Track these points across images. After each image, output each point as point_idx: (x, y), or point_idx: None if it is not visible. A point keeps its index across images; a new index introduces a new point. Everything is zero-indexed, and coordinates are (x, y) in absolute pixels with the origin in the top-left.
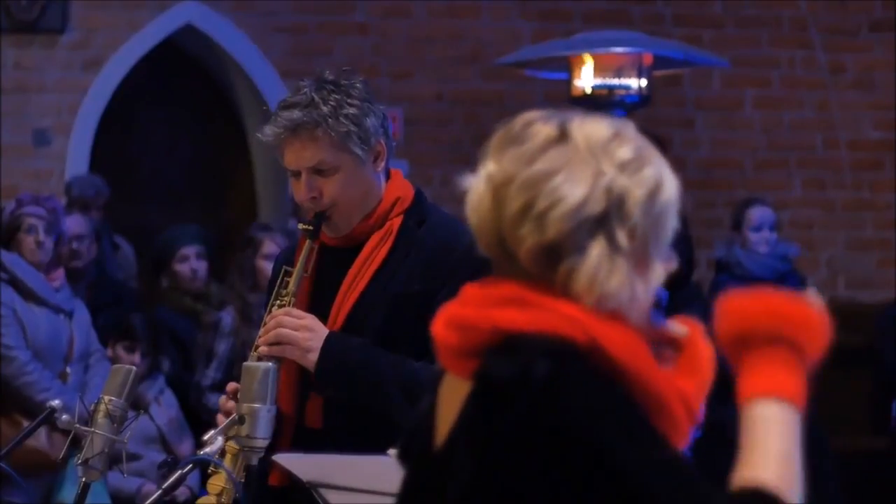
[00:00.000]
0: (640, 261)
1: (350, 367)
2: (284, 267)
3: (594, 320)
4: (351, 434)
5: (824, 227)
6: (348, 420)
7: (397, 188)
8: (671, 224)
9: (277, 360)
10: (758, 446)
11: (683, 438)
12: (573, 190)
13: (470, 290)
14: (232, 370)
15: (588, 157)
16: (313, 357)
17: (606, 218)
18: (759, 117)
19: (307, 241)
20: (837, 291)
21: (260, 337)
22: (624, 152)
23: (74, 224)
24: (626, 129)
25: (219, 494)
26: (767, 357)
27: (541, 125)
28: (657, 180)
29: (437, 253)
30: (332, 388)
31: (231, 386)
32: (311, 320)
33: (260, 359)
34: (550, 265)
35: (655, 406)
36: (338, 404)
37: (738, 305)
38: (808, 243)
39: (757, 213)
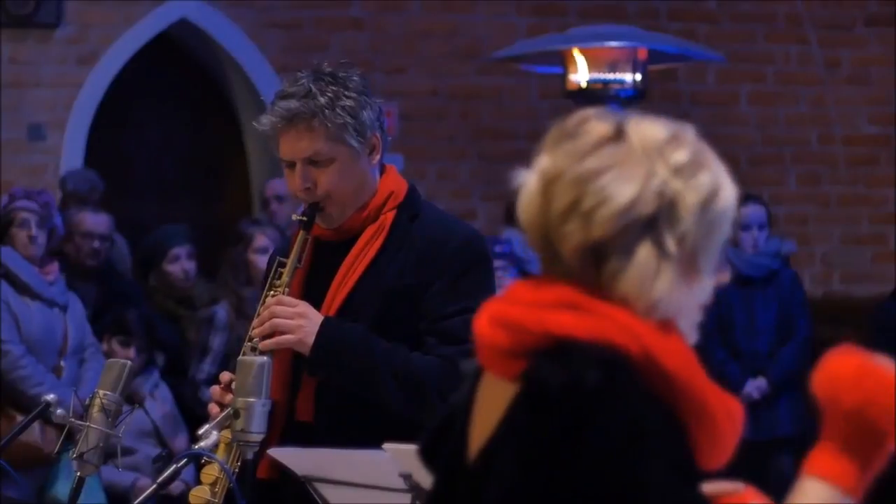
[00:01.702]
0: (688, 270)
1: (346, 350)
2: (278, 258)
3: (648, 330)
4: (341, 428)
5: (819, 222)
6: (339, 414)
7: (391, 183)
8: (725, 235)
9: (271, 351)
10: None
11: (727, 454)
12: (622, 189)
13: (518, 289)
14: (227, 365)
15: (642, 157)
16: (309, 341)
17: (655, 221)
18: (755, 112)
19: (301, 232)
20: (833, 286)
21: (254, 328)
22: (680, 155)
23: (101, 223)
24: (685, 133)
25: (213, 484)
26: (841, 435)
27: (596, 122)
28: (713, 187)
29: (430, 248)
30: (326, 370)
31: (224, 376)
32: (304, 307)
33: (254, 349)
34: (594, 265)
35: (703, 420)
36: (329, 398)
37: (833, 368)
38: (804, 238)
39: (746, 213)
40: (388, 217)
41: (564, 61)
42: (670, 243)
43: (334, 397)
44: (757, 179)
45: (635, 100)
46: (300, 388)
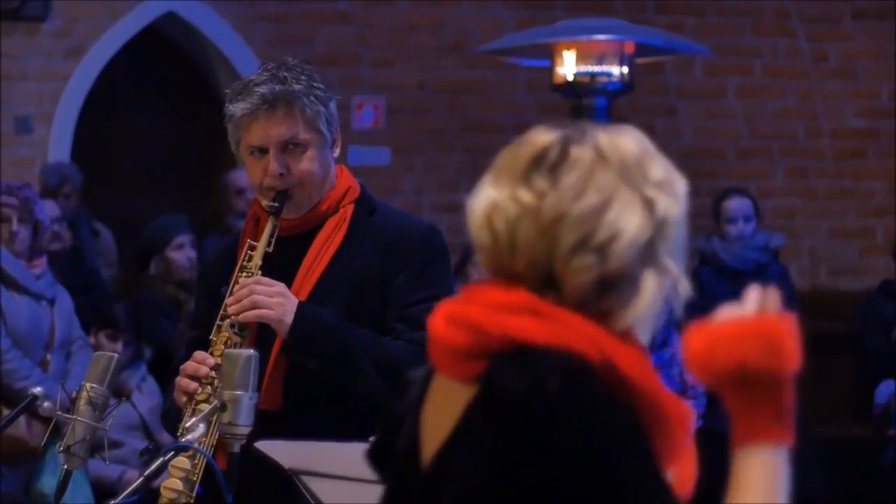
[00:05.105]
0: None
1: (323, 333)
2: (249, 241)
3: (607, 338)
4: (308, 417)
5: (806, 216)
6: (306, 402)
7: (347, 178)
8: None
9: (243, 331)
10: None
11: (681, 455)
12: (630, 221)
13: (477, 291)
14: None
15: (628, 179)
16: (288, 321)
17: (651, 243)
18: (742, 106)
19: (270, 219)
20: (820, 280)
21: (228, 305)
22: (657, 171)
23: (49, 208)
24: (643, 140)
25: (190, 457)
26: (742, 399)
27: (577, 149)
28: (684, 192)
29: (393, 240)
30: (303, 354)
31: (194, 359)
32: (282, 287)
33: (232, 326)
34: (600, 294)
35: (660, 424)
36: (297, 387)
37: (700, 346)
38: (791, 232)
39: (731, 206)
40: (348, 210)
41: (551, 54)
42: (666, 261)
43: (303, 386)
44: (744, 173)
45: (622, 93)
46: (266, 376)
